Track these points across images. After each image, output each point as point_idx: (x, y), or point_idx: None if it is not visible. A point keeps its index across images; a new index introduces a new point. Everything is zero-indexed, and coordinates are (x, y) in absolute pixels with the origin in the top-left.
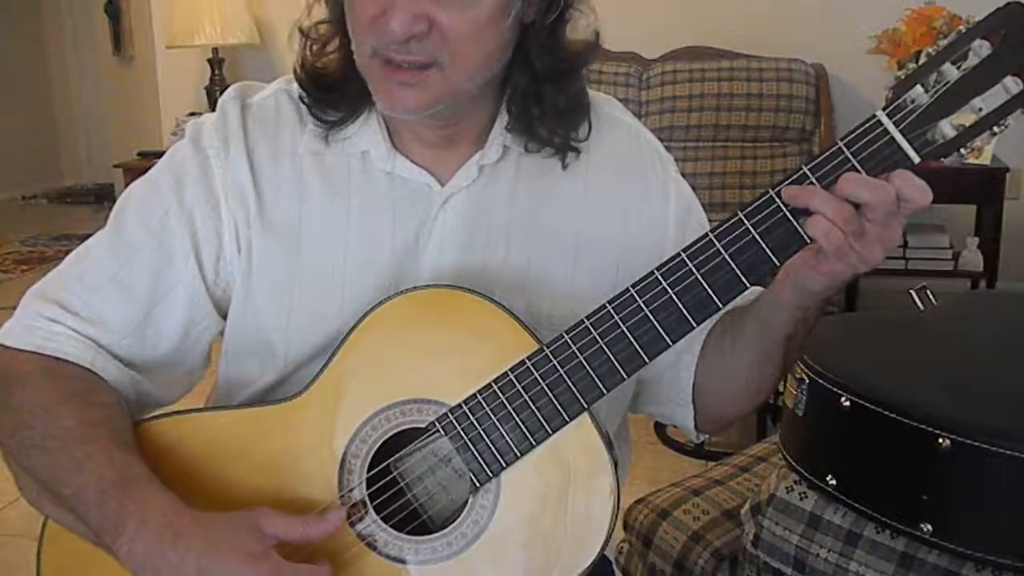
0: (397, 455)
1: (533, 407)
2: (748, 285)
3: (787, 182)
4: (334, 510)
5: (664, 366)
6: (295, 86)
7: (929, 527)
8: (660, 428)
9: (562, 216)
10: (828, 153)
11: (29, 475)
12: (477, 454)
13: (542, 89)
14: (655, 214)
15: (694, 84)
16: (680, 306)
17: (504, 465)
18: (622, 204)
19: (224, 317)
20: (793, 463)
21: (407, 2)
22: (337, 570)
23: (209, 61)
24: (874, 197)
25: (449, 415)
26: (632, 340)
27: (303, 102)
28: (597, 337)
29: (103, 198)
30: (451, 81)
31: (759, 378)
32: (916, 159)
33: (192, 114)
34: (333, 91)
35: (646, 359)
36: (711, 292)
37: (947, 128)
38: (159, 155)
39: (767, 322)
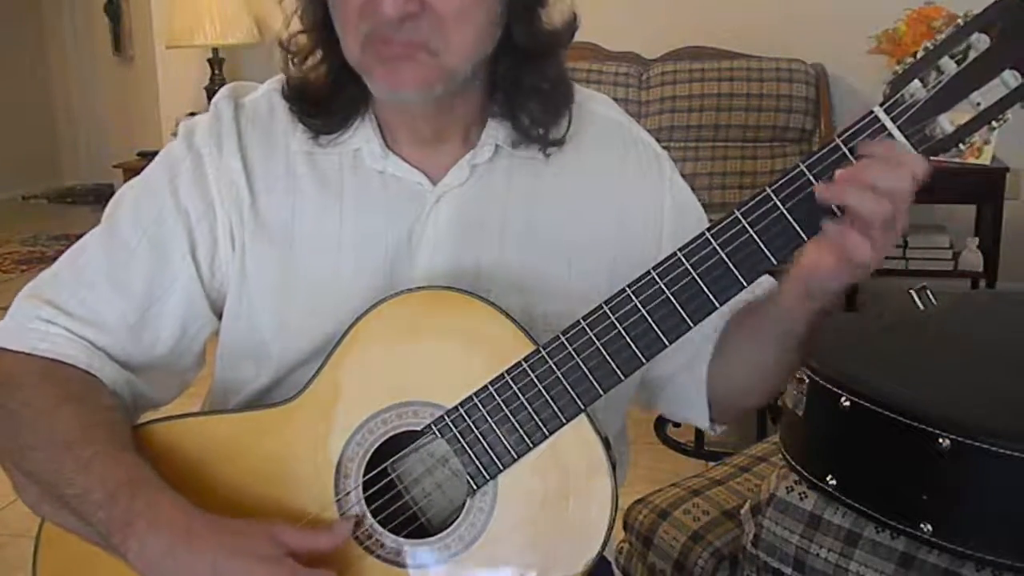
0: (394, 458)
1: (530, 409)
2: (745, 284)
3: (783, 180)
4: (341, 520)
5: (677, 367)
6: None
7: (929, 527)
8: (660, 428)
9: (555, 216)
10: (825, 150)
11: (30, 478)
12: (474, 456)
13: (523, 73)
14: (650, 213)
15: (694, 84)
16: (677, 306)
17: (501, 467)
18: (616, 203)
19: (219, 317)
20: (793, 463)
21: None
22: (337, 574)
23: (209, 61)
24: (897, 182)
25: (445, 418)
26: (629, 341)
27: (293, 112)
28: (593, 338)
29: (103, 198)
30: (445, 66)
31: (777, 372)
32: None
33: (192, 114)
34: (322, 104)
35: (644, 359)
36: (708, 291)
37: (945, 123)
38: None
39: (787, 322)
